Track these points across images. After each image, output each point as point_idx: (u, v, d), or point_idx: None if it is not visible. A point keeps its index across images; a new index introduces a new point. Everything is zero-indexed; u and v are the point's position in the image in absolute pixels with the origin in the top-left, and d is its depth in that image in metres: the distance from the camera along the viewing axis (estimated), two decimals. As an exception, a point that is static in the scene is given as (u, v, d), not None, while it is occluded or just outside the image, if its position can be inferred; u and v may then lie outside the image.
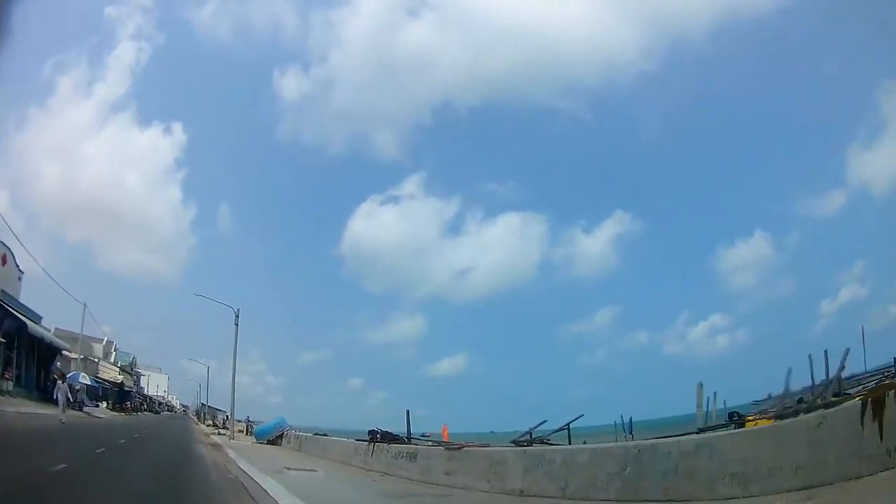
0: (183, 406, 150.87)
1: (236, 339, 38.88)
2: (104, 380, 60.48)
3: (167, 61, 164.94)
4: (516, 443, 13.89)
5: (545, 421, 16.26)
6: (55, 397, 31.25)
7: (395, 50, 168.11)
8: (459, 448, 13.60)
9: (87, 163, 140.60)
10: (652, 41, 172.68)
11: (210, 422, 65.74)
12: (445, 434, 25.33)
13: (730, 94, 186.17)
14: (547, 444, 13.49)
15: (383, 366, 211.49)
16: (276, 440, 32.24)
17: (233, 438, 34.94)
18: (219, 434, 42.31)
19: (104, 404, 56.82)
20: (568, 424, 15.33)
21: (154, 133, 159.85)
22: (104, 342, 74.07)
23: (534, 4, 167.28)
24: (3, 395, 31.93)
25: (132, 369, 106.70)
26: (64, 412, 29.63)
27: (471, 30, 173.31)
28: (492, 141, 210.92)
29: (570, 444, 13.54)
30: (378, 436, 18.26)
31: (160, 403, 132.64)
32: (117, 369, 67.67)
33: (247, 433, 46.84)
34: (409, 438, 18.67)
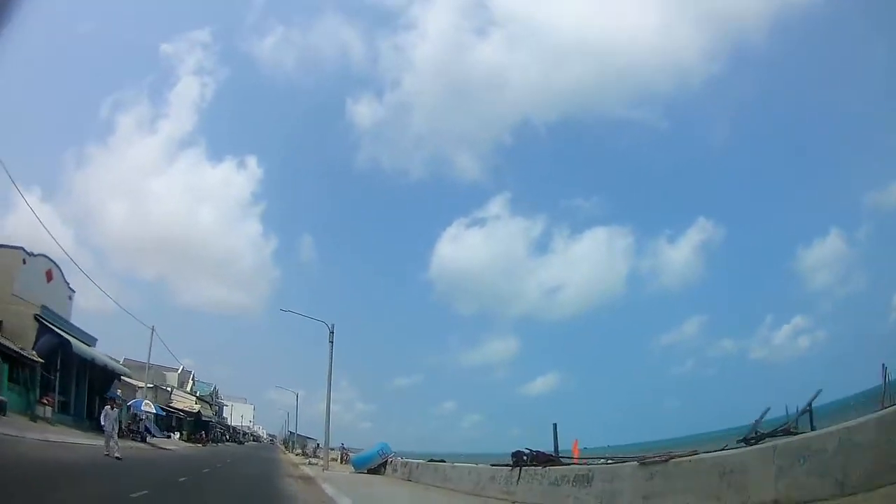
0: (270, 435, 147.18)
1: (331, 357, 32.80)
2: (177, 409, 52.91)
3: (233, 95, 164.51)
4: (746, 441, 11.83)
5: (768, 409, 15.56)
6: (102, 424, 23.35)
7: (466, 70, 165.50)
8: (665, 460, 9.67)
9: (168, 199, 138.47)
10: (715, 43, 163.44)
11: (299, 451, 57.15)
12: (576, 450, 22.09)
13: (794, 90, 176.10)
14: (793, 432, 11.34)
15: (476, 388, 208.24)
16: (378, 469, 28.30)
17: (326, 469, 30.08)
18: (310, 464, 36.77)
19: (177, 435, 49.24)
20: (809, 405, 14.28)
21: (227, 168, 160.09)
22: (180, 370, 67.34)
23: (598, 18, 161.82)
24: (39, 422, 27.03)
25: (213, 399, 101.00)
26: (115, 443, 22.24)
27: (539, 46, 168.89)
28: (572, 156, 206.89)
29: (812, 430, 11.50)
30: (526, 458, 14.80)
31: (245, 434, 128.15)
32: (193, 398, 60.17)
33: (341, 462, 40.64)
34: (557, 457, 15.88)
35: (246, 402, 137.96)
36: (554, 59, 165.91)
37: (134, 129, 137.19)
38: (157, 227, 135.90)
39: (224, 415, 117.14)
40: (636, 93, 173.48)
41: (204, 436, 54.96)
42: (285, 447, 77.21)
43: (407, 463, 26.08)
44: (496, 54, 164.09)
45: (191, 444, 47.72)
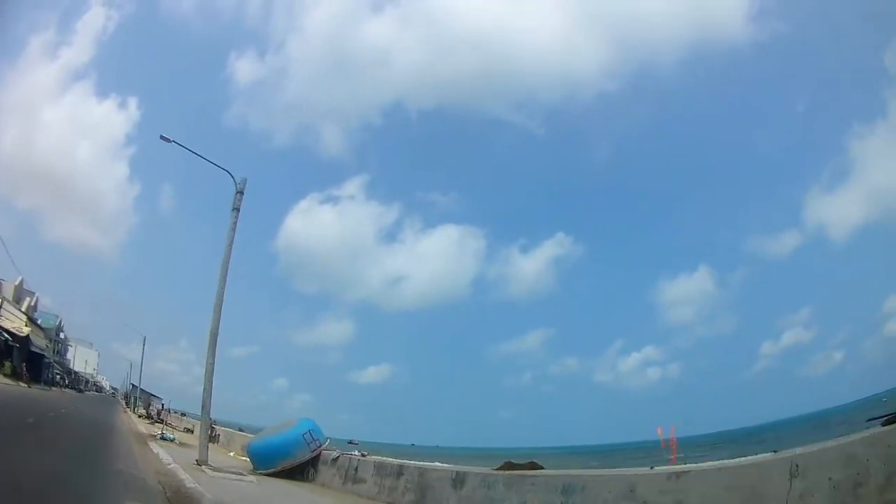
0: (112, 388, 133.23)
1: (235, 226, 17.25)
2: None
3: (131, 32, 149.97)
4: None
5: None
6: None
7: (352, 43, 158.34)
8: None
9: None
10: (618, 63, 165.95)
11: (143, 410, 48.58)
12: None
13: (690, 124, 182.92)
14: None
15: (309, 368, 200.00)
16: (300, 468, 15.76)
17: (204, 462, 15.14)
18: (161, 437, 24.75)
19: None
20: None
21: (110, 106, 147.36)
22: (18, 282, 56.15)
23: (499, 12, 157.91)
24: None
25: (56, 334, 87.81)
26: None
27: (431, 30, 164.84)
28: (438, 148, 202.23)
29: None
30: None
31: (87, 382, 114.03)
32: (24, 319, 49.77)
33: (211, 441, 29.93)
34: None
35: (91, 348, 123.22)
36: (442, 45, 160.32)
37: (39, 54, 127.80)
38: (40, 155, 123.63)
39: (67, 356, 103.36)
40: (520, 95, 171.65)
41: (25, 371, 44.87)
42: (126, 403, 67.18)
43: (381, 464, 13.03)
44: (386, 31, 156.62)
45: (10, 382, 38.31)
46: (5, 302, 48.06)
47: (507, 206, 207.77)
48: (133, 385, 62.33)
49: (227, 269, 16.83)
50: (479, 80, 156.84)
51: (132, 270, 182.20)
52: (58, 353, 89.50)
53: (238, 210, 17.24)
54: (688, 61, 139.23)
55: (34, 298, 70.59)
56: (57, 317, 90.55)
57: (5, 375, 40.29)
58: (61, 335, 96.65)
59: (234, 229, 17.25)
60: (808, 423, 61.08)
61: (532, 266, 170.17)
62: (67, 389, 67.07)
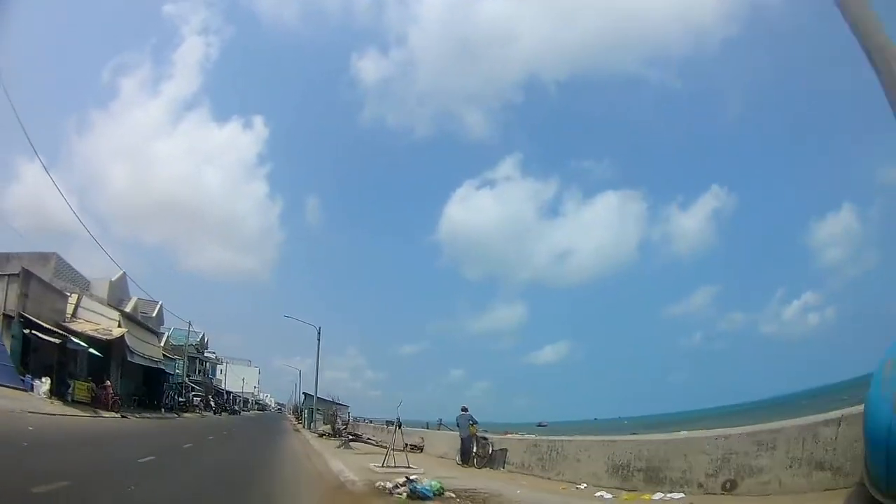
0: (278, 404, 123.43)
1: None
2: (67, 331, 24.69)
3: (237, 54, 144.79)
4: None
5: None
6: None
7: (473, 24, 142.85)
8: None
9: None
10: (732, 4, 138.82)
11: (326, 426, 29.04)
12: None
13: (810, 60, 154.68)
14: None
15: (483, 356, 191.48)
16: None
17: None
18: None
19: (45, 384, 21.49)
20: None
21: (233, 129, 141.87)
22: (115, 278, 38.86)
23: None
24: None
25: (198, 350, 73.46)
26: None
27: (549, 1, 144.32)
28: (582, 116, 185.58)
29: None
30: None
31: (247, 401, 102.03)
32: (117, 315, 31.55)
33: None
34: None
35: (250, 365, 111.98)
36: (565, 11, 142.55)
37: (137, 92, 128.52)
38: (162, 190, 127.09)
39: (217, 376, 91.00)
40: (650, 50, 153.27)
41: (109, 393, 25.64)
42: (297, 419, 49.61)
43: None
44: (503, 6, 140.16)
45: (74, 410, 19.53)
46: (84, 298, 30.40)
47: (659, 165, 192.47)
48: (306, 395, 43.88)
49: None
50: (608, 41, 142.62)
51: (286, 285, 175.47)
52: (202, 373, 75.71)
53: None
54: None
55: (158, 307, 54.71)
56: (200, 332, 77.06)
57: (74, 401, 22.15)
58: (207, 353, 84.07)
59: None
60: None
61: (692, 223, 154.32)
62: (209, 413, 50.60)
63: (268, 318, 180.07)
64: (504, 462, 14.55)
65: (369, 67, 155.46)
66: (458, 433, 17.38)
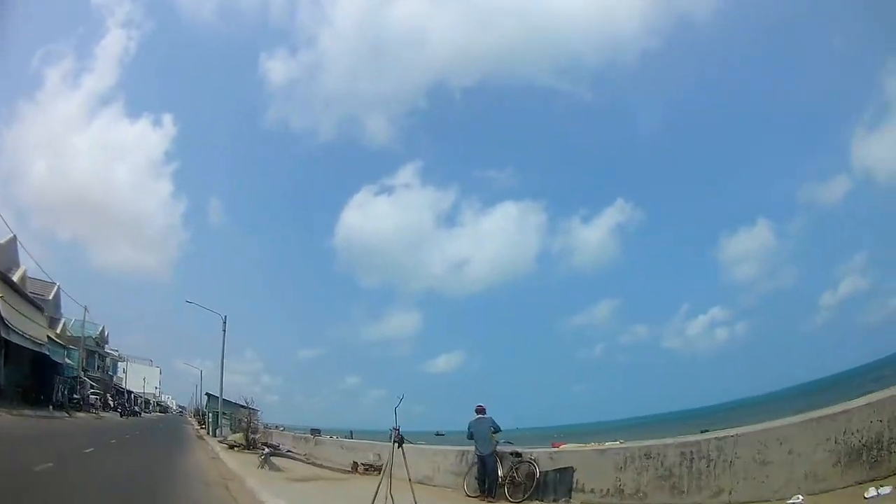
0: (179, 406, 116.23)
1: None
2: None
3: (155, 49, 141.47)
4: None
5: None
6: None
7: (385, 26, 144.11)
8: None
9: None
10: (656, 18, 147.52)
11: (237, 436, 26.53)
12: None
13: (731, 76, 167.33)
14: None
15: (379, 363, 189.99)
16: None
17: None
18: None
19: None
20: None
21: (143, 126, 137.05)
22: (19, 272, 34.53)
23: None
24: None
25: (98, 344, 67.68)
26: None
27: (465, 2, 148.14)
28: (488, 124, 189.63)
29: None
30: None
31: (149, 402, 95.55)
32: None
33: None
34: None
35: (152, 365, 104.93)
36: (479, 16, 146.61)
37: (59, 84, 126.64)
38: (75, 185, 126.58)
39: (119, 374, 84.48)
40: (563, 61, 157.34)
41: None
42: (200, 425, 46.10)
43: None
44: (418, 9, 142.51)
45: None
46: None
47: (564, 177, 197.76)
48: (209, 395, 40.68)
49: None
50: (520, 49, 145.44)
51: (186, 285, 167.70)
52: (102, 370, 69.75)
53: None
54: (722, 5, 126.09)
55: (55, 290, 49.89)
56: (99, 325, 70.98)
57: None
58: (107, 349, 77.65)
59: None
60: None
61: (595, 235, 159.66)
62: (107, 414, 46.24)
63: (169, 318, 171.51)
64: (570, 490, 10.21)
65: (278, 68, 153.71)
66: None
